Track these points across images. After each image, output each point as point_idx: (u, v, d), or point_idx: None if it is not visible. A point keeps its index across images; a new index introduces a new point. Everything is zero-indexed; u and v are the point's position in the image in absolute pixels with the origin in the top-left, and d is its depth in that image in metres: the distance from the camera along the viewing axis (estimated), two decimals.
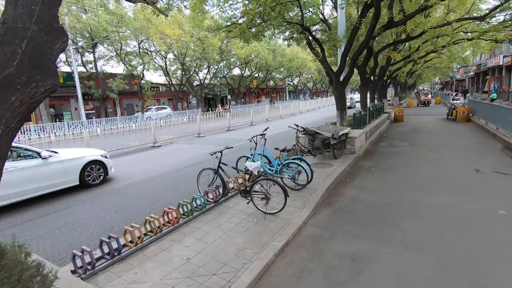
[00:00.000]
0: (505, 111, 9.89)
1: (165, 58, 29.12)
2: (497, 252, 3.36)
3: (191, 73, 31.51)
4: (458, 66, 43.58)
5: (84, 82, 22.94)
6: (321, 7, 13.03)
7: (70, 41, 20.32)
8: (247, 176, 5.42)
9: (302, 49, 42.72)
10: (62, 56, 22.91)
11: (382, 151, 9.36)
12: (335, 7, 12.80)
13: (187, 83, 32.19)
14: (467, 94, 35.98)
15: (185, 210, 4.38)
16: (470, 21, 12.20)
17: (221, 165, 4.95)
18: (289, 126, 7.68)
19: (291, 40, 12.89)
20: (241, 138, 13.48)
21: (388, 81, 21.25)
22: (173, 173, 7.94)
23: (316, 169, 6.81)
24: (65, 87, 24.32)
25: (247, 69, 40.44)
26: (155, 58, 28.84)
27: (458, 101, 18.99)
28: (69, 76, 23.25)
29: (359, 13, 7.08)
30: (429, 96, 31.86)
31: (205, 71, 34.11)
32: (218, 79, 37.33)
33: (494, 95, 23.56)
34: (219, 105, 36.62)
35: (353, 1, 7.44)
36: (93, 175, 7.04)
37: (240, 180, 5.50)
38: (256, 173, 4.74)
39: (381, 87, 19.01)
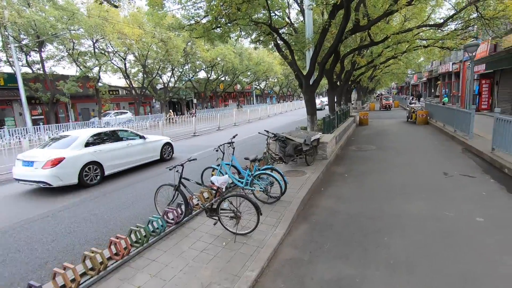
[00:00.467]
0: (462, 115, 10.36)
1: (125, 59, 27.30)
2: (484, 262, 3.12)
3: (154, 75, 29.96)
4: (412, 72, 46.82)
5: (30, 84, 20.55)
6: (287, 10, 12.87)
7: (11, 39, 18.04)
8: (213, 191, 4.79)
9: (268, 53, 42.95)
10: (2, 55, 20.35)
11: (352, 155, 9.25)
12: (301, 11, 12.72)
13: (149, 87, 30.55)
14: (421, 98, 38.65)
15: (139, 236, 3.64)
16: (428, 28, 12.73)
17: (182, 180, 4.27)
18: (259, 133, 7.19)
19: (258, 43, 12.51)
20: (208, 145, 12.74)
21: (352, 85, 21.83)
22: (127, 188, 7.03)
23: (288, 177, 6.37)
24: (6, 89, 21.67)
25: (213, 72, 39.61)
26: (113, 59, 26.90)
27: (417, 105, 19.97)
28: (11, 77, 20.73)
29: (328, 14, 6.84)
30: (390, 100, 31.85)
31: (169, 74, 32.70)
32: (183, 82, 36.04)
33: (446, 99, 25.36)
34: (170, 111, 34.54)
35: (321, 2, 7.19)
36: (166, 153, 9.92)
37: (205, 195, 4.86)
38: (224, 189, 4.14)
39: (346, 91, 19.41)
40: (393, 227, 4.18)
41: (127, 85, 29.70)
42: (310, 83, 8.19)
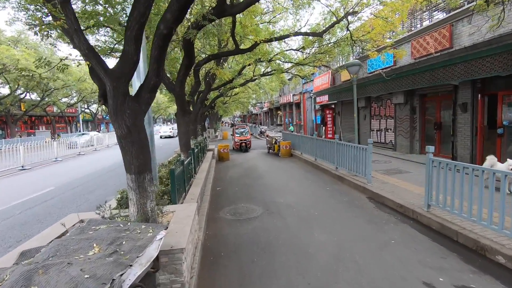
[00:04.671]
0: (351, 150, 8.15)
1: None
2: None
3: None
4: (254, 102, 50.01)
5: None
6: None
7: None
8: None
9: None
10: None
11: (233, 242, 4.70)
12: None
13: None
14: (263, 126, 40.89)
15: None
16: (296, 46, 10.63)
17: None
18: None
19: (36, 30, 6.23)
20: None
21: (207, 111, 18.20)
22: None
23: None
24: None
25: (4, 85, 26.54)
26: None
27: (277, 134, 18.49)
28: None
29: None
30: (248, 134, 18.48)
31: None
32: None
33: (292, 128, 26.31)
34: None
35: None
36: None
37: None
38: None
39: (200, 118, 15.38)
40: None
41: None
42: (136, 93, 3.15)
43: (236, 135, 18.23)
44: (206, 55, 8.39)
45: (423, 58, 9.62)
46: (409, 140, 11.33)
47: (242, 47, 8.78)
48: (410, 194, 6.26)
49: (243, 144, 17.46)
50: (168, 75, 7.68)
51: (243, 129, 19.15)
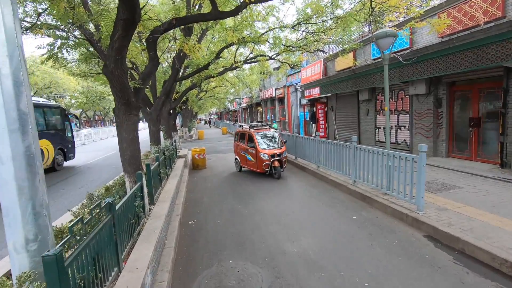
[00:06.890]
0: (370, 156, 5.67)
1: None
2: None
3: None
4: (231, 98, 46.95)
5: None
6: None
7: None
8: None
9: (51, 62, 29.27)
10: None
11: None
12: None
13: None
14: (243, 124, 38.09)
15: None
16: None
17: None
18: None
19: None
20: None
21: (179, 107, 15.14)
22: None
23: None
24: None
25: None
26: None
27: None
28: None
29: None
30: (281, 144, 8.99)
31: None
32: None
33: (275, 125, 23.75)
34: None
35: None
36: None
37: None
38: None
39: (168, 115, 12.31)
40: None
41: None
42: None
43: (260, 146, 8.61)
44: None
45: (462, 33, 7.35)
46: (432, 140, 9.13)
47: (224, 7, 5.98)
48: (505, 236, 3.87)
49: (277, 164, 8.49)
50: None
51: (269, 134, 9.34)
